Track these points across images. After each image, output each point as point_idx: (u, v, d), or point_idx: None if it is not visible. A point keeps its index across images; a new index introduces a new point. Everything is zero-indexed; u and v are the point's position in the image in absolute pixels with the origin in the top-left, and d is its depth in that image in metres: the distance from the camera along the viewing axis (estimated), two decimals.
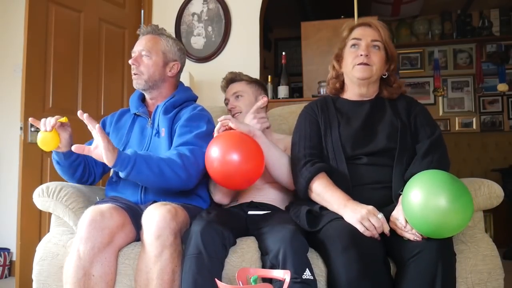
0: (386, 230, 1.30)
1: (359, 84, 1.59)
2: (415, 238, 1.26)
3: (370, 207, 1.31)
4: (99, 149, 1.37)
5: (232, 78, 1.96)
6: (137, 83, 1.73)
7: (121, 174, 1.43)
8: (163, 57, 1.75)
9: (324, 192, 1.43)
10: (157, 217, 1.33)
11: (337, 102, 1.66)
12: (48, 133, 1.52)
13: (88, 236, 1.32)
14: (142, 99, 1.83)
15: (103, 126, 1.80)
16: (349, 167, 1.48)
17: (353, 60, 1.56)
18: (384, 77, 1.62)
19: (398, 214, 1.31)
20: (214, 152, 1.39)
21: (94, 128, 1.35)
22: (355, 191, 1.43)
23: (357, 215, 1.30)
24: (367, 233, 1.28)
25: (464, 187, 1.22)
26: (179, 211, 1.40)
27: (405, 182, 1.37)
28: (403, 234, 1.28)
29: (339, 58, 1.66)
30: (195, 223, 1.35)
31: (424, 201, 1.19)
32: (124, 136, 1.74)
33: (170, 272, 1.29)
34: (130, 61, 1.74)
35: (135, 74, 1.74)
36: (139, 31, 1.80)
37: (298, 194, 1.55)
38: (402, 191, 1.34)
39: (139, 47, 1.75)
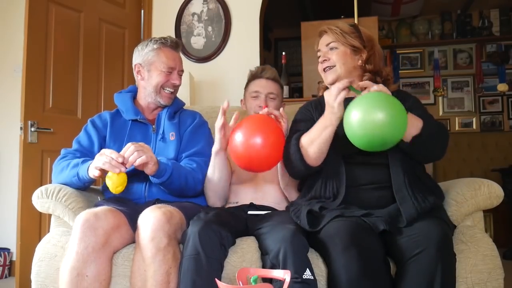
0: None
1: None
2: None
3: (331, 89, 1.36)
4: (147, 166, 1.49)
5: (275, 77, 1.93)
6: (170, 101, 1.79)
7: (155, 179, 1.54)
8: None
9: (310, 133, 1.47)
10: (152, 220, 1.33)
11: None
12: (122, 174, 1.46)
13: (82, 237, 1.32)
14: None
15: (94, 127, 1.76)
16: (346, 168, 1.49)
17: (321, 67, 1.62)
18: (366, 65, 1.59)
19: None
20: (251, 137, 1.44)
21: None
22: (351, 192, 1.43)
23: (330, 100, 1.38)
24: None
25: (391, 98, 1.29)
26: (174, 213, 1.40)
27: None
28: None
29: None
30: (192, 223, 1.35)
31: (361, 117, 1.25)
32: (124, 143, 1.68)
33: (164, 273, 1.29)
34: (177, 81, 1.77)
35: (173, 93, 1.79)
36: (167, 41, 1.77)
37: (295, 168, 1.53)
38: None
39: (180, 67, 1.80)
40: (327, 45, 1.60)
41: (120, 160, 1.45)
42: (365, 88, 1.38)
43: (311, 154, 1.46)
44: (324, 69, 1.61)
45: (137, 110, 1.77)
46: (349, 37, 1.58)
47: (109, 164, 1.44)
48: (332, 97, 1.37)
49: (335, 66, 1.57)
